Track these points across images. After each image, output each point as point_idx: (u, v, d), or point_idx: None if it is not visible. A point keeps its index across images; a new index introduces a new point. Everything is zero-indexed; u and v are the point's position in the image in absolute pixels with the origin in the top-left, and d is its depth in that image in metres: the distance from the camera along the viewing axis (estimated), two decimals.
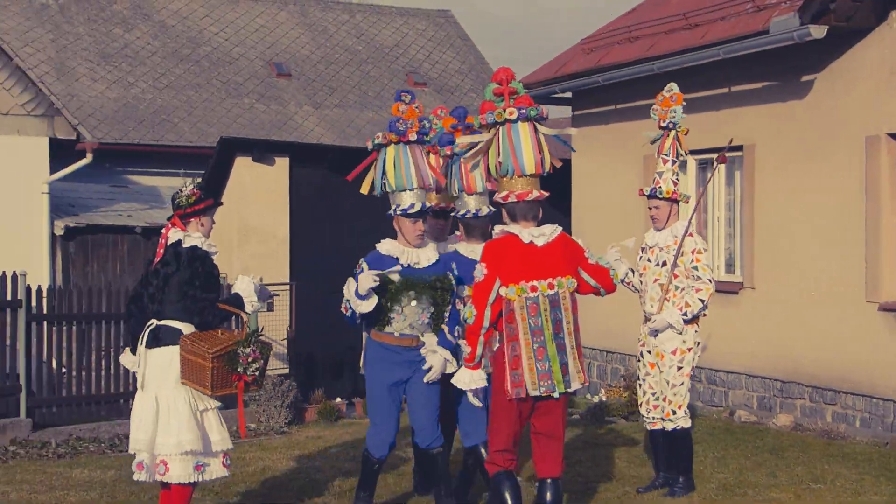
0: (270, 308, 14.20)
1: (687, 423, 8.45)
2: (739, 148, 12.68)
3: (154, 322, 6.86)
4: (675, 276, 8.37)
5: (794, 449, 10.48)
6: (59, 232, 18.00)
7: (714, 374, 12.93)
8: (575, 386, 6.43)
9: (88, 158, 18.53)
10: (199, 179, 7.04)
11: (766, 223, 12.32)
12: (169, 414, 6.75)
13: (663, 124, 8.59)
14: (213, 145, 18.56)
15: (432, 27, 29.13)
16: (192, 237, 6.93)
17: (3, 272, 11.87)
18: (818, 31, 11.07)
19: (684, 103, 8.60)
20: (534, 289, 6.38)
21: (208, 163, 16.86)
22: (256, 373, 6.71)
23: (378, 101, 25.96)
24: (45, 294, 12.23)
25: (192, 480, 6.78)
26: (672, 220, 8.51)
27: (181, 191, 7.02)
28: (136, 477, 6.95)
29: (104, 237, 18.42)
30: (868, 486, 8.90)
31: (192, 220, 7.00)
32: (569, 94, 15.42)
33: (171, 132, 22.95)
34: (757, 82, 12.47)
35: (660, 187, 8.45)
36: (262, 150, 15.84)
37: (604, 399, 13.15)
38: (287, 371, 13.87)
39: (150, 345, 6.84)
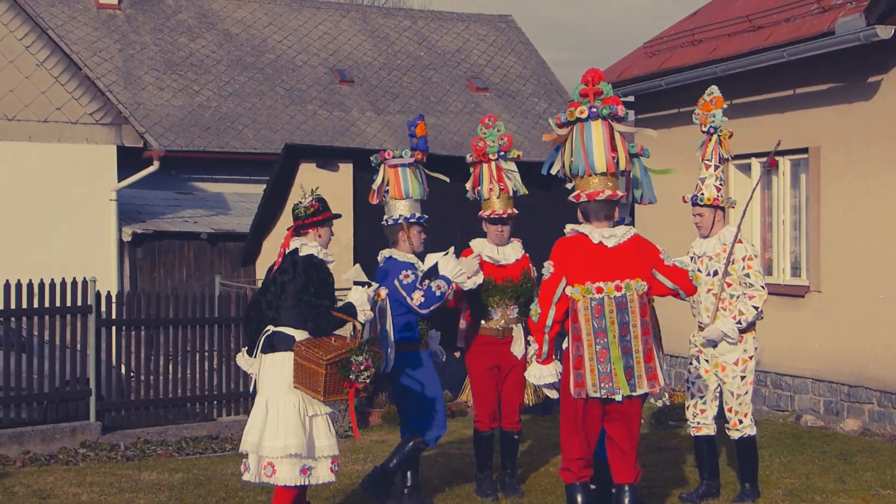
0: None
1: (753, 431, 8.39)
2: (805, 150, 12.58)
3: (270, 328, 7.08)
4: (728, 285, 8.26)
5: (863, 454, 10.37)
6: (127, 238, 18.27)
7: (780, 379, 12.82)
8: (642, 390, 6.36)
9: (155, 166, 18.78)
10: (317, 191, 7.29)
11: (833, 226, 12.20)
12: (278, 418, 6.93)
13: (704, 129, 8.51)
14: (278, 152, 18.75)
15: (493, 32, 29.15)
16: (308, 246, 7.15)
17: (74, 278, 12.07)
18: (885, 32, 10.96)
19: (726, 106, 8.51)
20: (599, 290, 6.34)
21: (273, 169, 17.01)
22: (367, 380, 6.85)
23: (440, 106, 26.03)
24: (114, 300, 12.41)
25: (297, 483, 6.95)
26: (718, 226, 8.35)
27: (301, 202, 7.25)
28: (243, 477, 7.15)
29: (171, 243, 18.67)
30: None
31: (311, 230, 7.22)
32: (631, 98, 15.38)
33: (236, 139, 23.18)
34: (822, 84, 12.37)
35: (702, 194, 8.31)
36: (326, 157, 15.95)
37: (668, 403, 13.09)
38: None
39: (265, 350, 7.07)
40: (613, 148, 6.42)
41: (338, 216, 7.42)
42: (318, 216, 7.19)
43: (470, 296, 8.50)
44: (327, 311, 6.97)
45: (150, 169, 18.75)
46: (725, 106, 8.51)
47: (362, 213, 15.76)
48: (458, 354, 8.82)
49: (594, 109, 6.41)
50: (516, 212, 8.70)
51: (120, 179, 18.26)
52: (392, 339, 8.13)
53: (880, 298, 11.60)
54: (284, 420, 6.90)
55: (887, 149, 11.61)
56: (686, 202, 8.53)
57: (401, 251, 8.37)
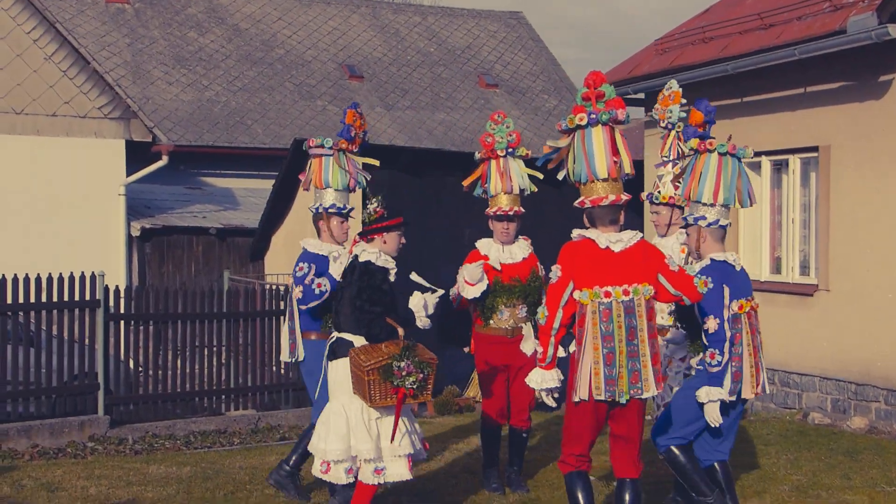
0: None
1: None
2: (815, 149, 12.60)
3: (335, 334, 7.28)
4: None
5: (869, 452, 10.40)
6: (136, 233, 18.34)
7: (787, 376, 12.86)
8: (648, 394, 6.42)
9: (164, 160, 18.84)
10: (381, 197, 7.42)
11: (842, 225, 12.22)
12: (347, 422, 7.15)
13: (663, 124, 8.47)
14: (287, 147, 18.80)
15: (504, 29, 29.19)
16: (367, 252, 7.31)
17: (83, 273, 12.14)
18: None
19: (684, 101, 8.49)
20: (608, 294, 6.36)
21: (282, 165, 17.06)
22: (414, 385, 6.96)
23: (450, 102, 26.07)
24: (122, 294, 12.47)
25: (372, 482, 7.16)
26: (675, 226, 8.21)
27: (368, 206, 7.42)
28: (329, 479, 7.32)
29: (179, 238, 18.75)
30: None
31: (376, 236, 7.38)
32: (642, 96, 15.39)
33: (245, 134, 23.25)
34: (833, 82, 12.38)
35: (658, 191, 8.24)
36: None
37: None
38: None
39: (329, 357, 7.28)
40: (616, 152, 6.46)
41: (405, 223, 7.53)
42: (380, 223, 7.37)
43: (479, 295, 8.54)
44: (380, 317, 7.09)
45: (159, 164, 18.81)
46: (684, 101, 8.46)
47: None
48: (466, 350, 8.88)
49: (593, 116, 6.43)
50: (523, 210, 8.71)
51: (129, 174, 18.33)
52: (298, 328, 8.35)
53: (889, 297, 11.63)
54: (353, 423, 7.13)
55: None
56: (643, 200, 8.53)
57: (322, 241, 8.48)
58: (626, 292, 6.37)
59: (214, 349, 13.10)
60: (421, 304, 7.28)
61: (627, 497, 6.53)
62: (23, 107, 17.60)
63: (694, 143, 7.15)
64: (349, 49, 26.74)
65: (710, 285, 6.75)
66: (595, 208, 6.46)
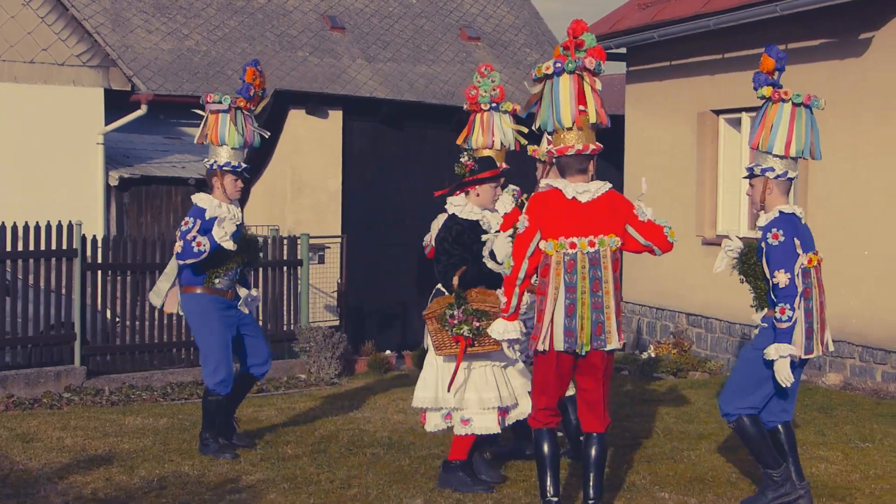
0: (322, 260, 14.34)
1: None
2: None
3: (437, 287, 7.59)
4: None
5: (843, 408, 10.49)
6: (114, 183, 18.24)
7: None
8: (611, 346, 6.44)
9: (143, 110, 18.71)
10: (469, 150, 7.62)
11: (821, 183, 12.24)
12: (436, 372, 7.46)
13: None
14: (267, 97, 18.67)
15: None
16: (453, 204, 7.51)
17: (59, 222, 12.08)
18: None
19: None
20: (573, 245, 6.37)
21: (262, 115, 16.96)
22: (471, 334, 7.09)
23: (431, 54, 25.95)
24: (100, 244, 12.42)
25: (461, 432, 7.42)
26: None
27: (460, 160, 7.56)
28: (427, 428, 7.64)
29: (158, 188, 18.65)
30: None
31: (470, 188, 7.52)
32: (623, 51, 15.35)
33: (225, 84, 23.09)
34: (814, 39, 12.36)
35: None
36: (316, 103, 15.93)
37: (653, 356, 13.20)
38: (338, 323, 14.03)
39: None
40: (583, 101, 6.44)
41: (499, 175, 7.63)
42: (470, 176, 7.51)
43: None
44: (453, 268, 7.25)
45: (138, 113, 18.68)
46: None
47: (351, 160, 15.79)
48: None
49: (559, 65, 6.45)
50: (507, 166, 8.56)
51: (107, 123, 18.19)
52: (179, 281, 8.58)
53: (865, 255, 11.68)
54: (441, 373, 7.42)
55: (877, 106, 11.63)
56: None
57: (215, 198, 8.51)
58: (591, 243, 6.38)
59: None
60: (491, 250, 7.32)
61: (593, 452, 6.56)
62: (0, 54, 17.43)
63: (767, 91, 6.88)
64: (331, 0, 26.55)
65: (782, 238, 6.66)
66: (562, 157, 6.49)
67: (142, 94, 18.66)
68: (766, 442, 6.92)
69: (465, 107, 8.82)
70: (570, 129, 6.44)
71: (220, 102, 8.49)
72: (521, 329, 6.64)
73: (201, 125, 8.61)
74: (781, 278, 6.64)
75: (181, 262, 8.37)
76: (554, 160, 6.65)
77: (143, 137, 20.70)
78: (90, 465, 8.14)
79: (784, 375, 6.64)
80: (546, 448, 6.54)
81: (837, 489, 7.62)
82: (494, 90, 8.68)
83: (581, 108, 6.44)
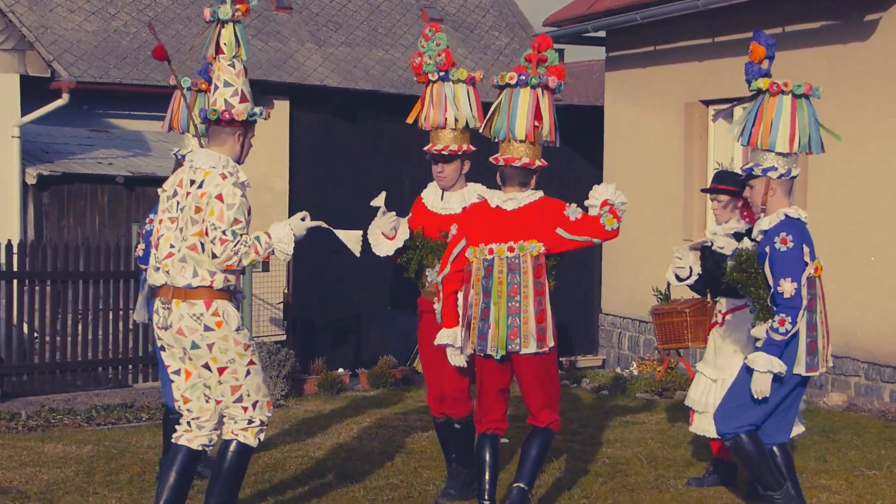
0: (266, 268, 14.28)
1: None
2: None
3: None
4: None
5: (847, 431, 10.54)
6: (32, 181, 18.09)
7: None
8: (528, 350, 7.06)
9: (64, 99, 18.60)
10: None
11: (821, 180, 12.31)
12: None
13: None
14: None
15: None
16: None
17: None
18: None
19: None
20: (491, 252, 7.16)
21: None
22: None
23: (389, 38, 25.95)
24: (15, 250, 12.33)
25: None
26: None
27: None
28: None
29: (82, 187, 18.50)
30: None
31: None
32: (602, 34, 15.39)
33: (158, 71, 22.97)
34: (814, 22, 12.44)
35: None
36: (259, 92, 15.83)
37: (635, 373, 13.23)
38: (284, 338, 13.97)
39: None
40: (539, 117, 7.14)
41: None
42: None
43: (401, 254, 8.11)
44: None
45: (59, 102, 18.56)
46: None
47: (299, 156, 15.74)
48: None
49: (523, 77, 7.12)
50: (470, 148, 8.05)
51: (24, 114, 18.04)
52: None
53: (871, 260, 11.75)
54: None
55: (883, 96, 11.70)
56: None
57: None
58: (511, 248, 7.12)
59: (121, 313, 13.01)
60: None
61: (532, 449, 7.23)
62: None
63: (764, 83, 6.91)
64: None
65: (791, 244, 6.73)
66: (507, 167, 7.22)
67: (63, 81, 18.55)
68: (766, 461, 6.99)
69: (415, 79, 8.26)
70: (521, 141, 7.15)
71: (182, 86, 8.43)
72: (455, 336, 7.41)
73: (168, 111, 8.62)
74: (787, 287, 6.69)
75: (143, 267, 8.22)
76: (499, 168, 7.27)
77: (65, 130, 20.55)
78: (3, 500, 8.06)
79: (760, 388, 6.81)
80: (487, 454, 7.24)
81: None
82: (440, 55, 7.99)
83: (536, 123, 7.14)
